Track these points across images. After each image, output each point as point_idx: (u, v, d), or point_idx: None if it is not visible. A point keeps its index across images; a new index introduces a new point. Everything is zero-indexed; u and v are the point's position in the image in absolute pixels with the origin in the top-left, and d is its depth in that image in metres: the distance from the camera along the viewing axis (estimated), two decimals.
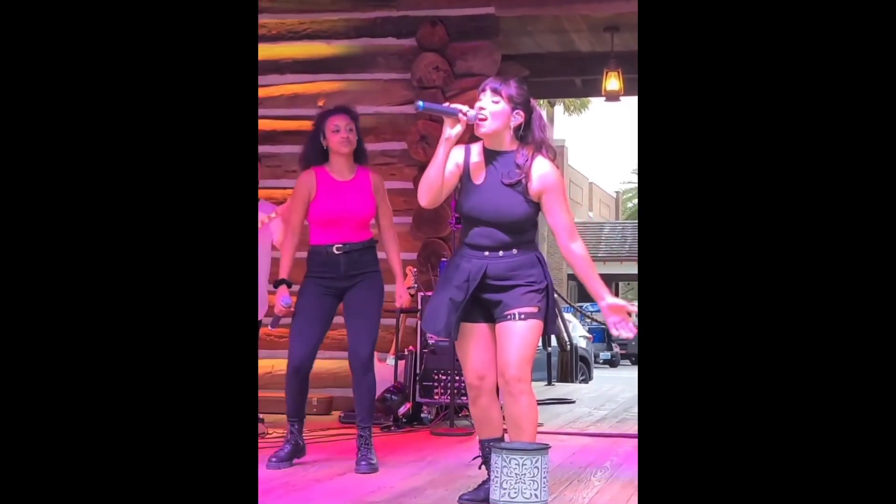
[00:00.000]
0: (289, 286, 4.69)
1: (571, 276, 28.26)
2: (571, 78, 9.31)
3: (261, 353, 6.22)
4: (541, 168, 3.64)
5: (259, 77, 6.83)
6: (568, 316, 13.12)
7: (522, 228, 3.69)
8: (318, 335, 4.68)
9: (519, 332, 3.62)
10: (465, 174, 3.70)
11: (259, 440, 5.34)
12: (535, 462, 3.28)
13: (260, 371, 6.19)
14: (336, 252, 4.62)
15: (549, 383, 10.11)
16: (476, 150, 3.72)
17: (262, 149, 6.79)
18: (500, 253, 3.65)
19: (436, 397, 6.25)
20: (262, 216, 5.41)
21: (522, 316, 3.62)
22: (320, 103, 6.14)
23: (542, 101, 22.91)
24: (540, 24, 7.52)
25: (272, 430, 5.49)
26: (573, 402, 8.14)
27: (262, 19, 6.98)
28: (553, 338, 10.66)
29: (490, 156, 3.69)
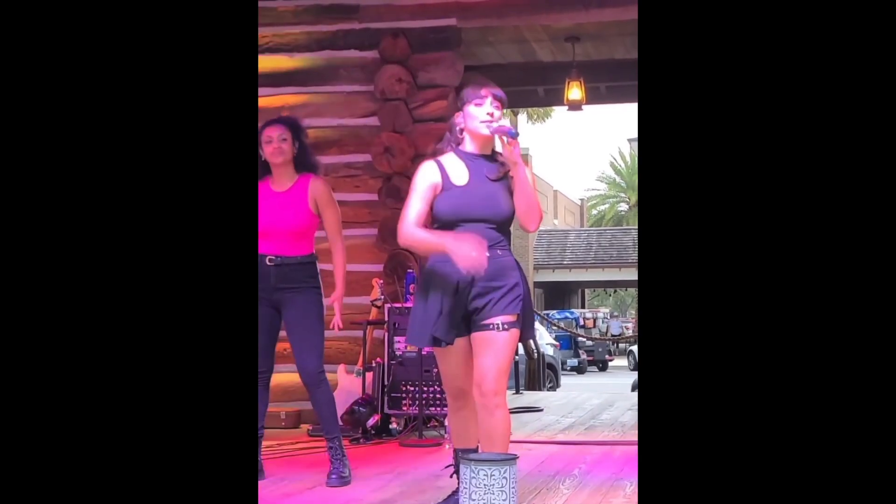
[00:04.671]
0: None
1: (538, 284, 28.36)
2: (534, 87, 9.35)
3: None
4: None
5: None
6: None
7: (507, 226, 3.69)
8: (266, 342, 4.56)
9: (499, 344, 3.58)
10: (446, 181, 3.68)
11: None
12: (504, 472, 3.29)
13: None
14: (268, 264, 4.52)
15: (517, 392, 10.14)
16: (450, 158, 3.73)
17: None
18: (487, 254, 3.56)
19: (404, 408, 6.24)
20: None
21: (505, 326, 3.59)
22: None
23: (505, 111, 22.98)
24: (501, 34, 7.54)
25: None
26: (541, 410, 8.15)
27: None
28: (520, 346, 10.69)
29: (471, 159, 3.71)
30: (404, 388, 6.25)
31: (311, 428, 6.23)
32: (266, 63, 6.87)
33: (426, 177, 3.70)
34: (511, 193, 3.67)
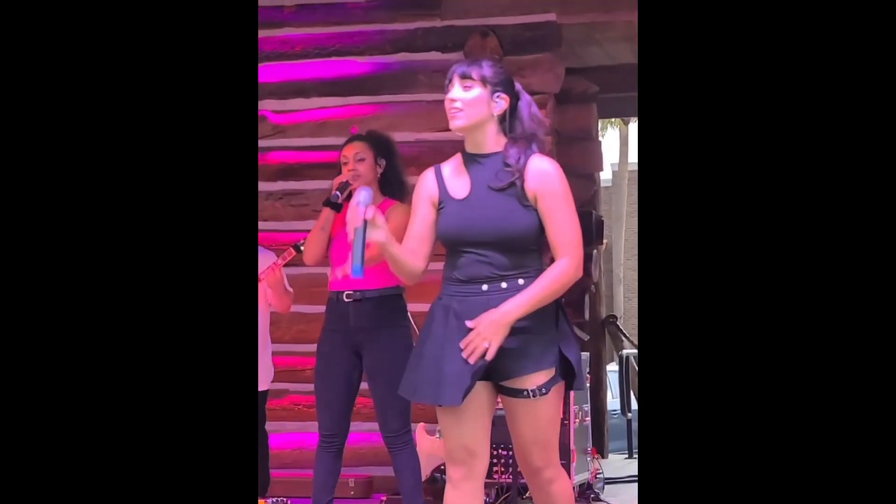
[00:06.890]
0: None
1: None
2: None
3: (289, 424, 6.28)
4: (538, 165, 3.17)
5: (282, 101, 6.82)
6: None
7: (526, 247, 3.16)
8: (343, 398, 4.40)
9: (539, 413, 3.16)
10: (443, 193, 3.23)
11: None
12: None
13: (288, 446, 6.21)
14: (346, 300, 4.30)
15: (630, 456, 8.90)
16: (451, 164, 3.28)
17: (285, 185, 6.77)
18: (504, 285, 3.12)
19: (495, 476, 5.78)
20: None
21: (543, 391, 3.12)
22: (353, 131, 5.75)
23: (614, 120, 22.25)
24: (610, 31, 7.14)
25: None
26: None
27: (286, 34, 6.82)
28: (634, 401, 9.53)
29: (472, 162, 3.22)
30: (495, 453, 5.62)
31: (385, 498, 5.86)
32: (333, 68, 6.64)
33: (421, 190, 3.31)
34: (521, 202, 3.16)
